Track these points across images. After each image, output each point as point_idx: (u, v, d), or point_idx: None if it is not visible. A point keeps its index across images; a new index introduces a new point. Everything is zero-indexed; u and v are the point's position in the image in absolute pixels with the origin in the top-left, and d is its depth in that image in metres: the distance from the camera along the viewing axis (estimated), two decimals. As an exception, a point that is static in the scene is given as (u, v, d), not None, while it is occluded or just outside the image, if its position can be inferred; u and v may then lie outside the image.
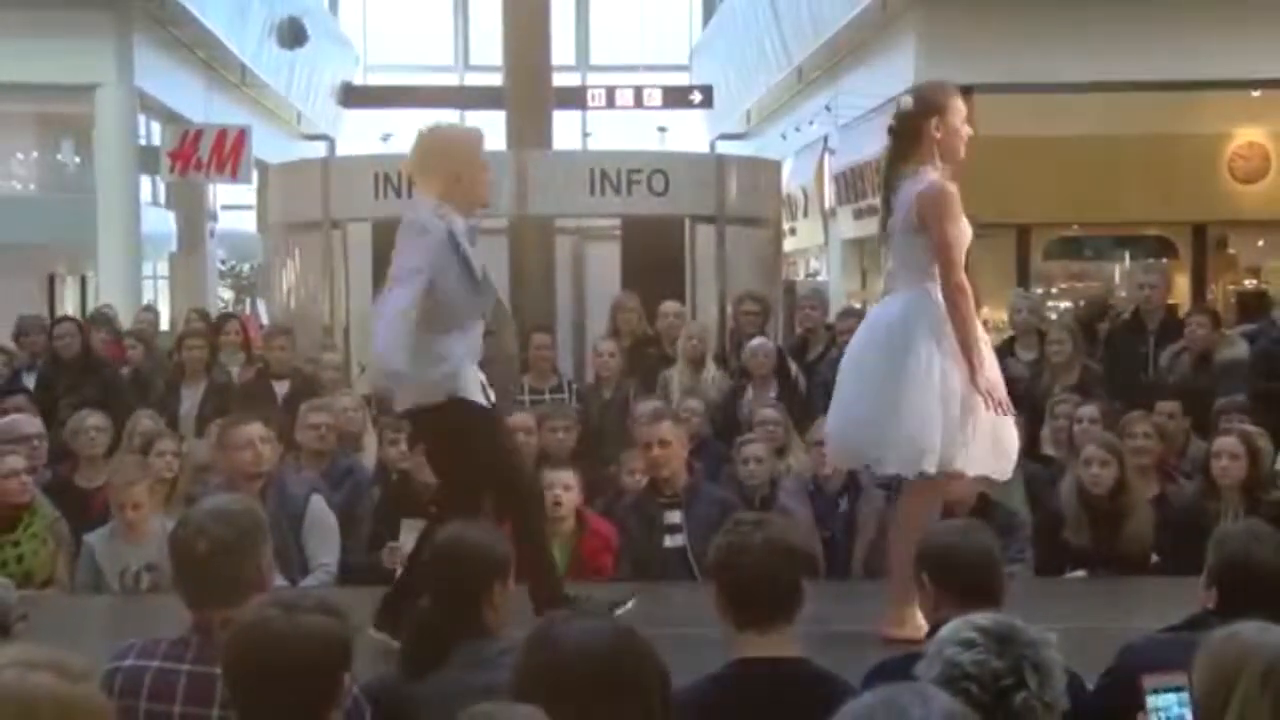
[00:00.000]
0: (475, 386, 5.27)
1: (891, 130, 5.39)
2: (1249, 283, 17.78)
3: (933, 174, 5.23)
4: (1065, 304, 15.71)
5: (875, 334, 5.32)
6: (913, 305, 5.19)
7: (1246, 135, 15.67)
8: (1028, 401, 8.12)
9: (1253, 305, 14.77)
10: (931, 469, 5.10)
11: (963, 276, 5.14)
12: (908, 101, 5.39)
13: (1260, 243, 17.44)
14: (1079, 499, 6.60)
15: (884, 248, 5.57)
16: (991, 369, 5.19)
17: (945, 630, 2.69)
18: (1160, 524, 6.56)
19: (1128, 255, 16.62)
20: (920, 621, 4.58)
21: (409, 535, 6.01)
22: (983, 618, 2.68)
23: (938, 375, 5.09)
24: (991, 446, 5.24)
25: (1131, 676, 3.49)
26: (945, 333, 5.12)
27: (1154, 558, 6.54)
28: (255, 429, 6.43)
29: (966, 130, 5.34)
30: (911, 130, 5.31)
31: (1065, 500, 6.67)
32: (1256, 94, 14.08)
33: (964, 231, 5.20)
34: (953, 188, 5.21)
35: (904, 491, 5.40)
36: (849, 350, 5.49)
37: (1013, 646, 2.60)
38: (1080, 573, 6.52)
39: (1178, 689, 2.09)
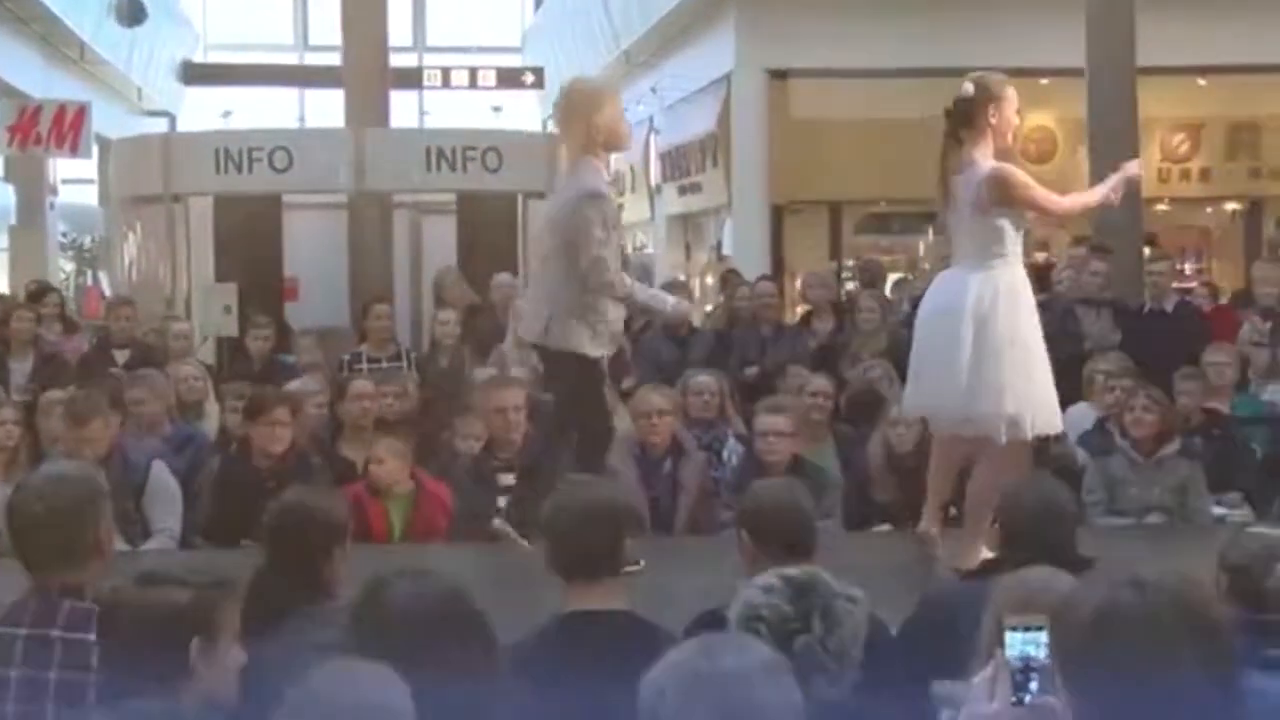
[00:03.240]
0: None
1: (948, 113, 5.49)
2: (1039, 255, 18.29)
3: (990, 160, 5.39)
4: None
5: (953, 305, 5.43)
6: (986, 281, 5.38)
7: (1036, 119, 16.10)
8: (832, 367, 8.31)
9: (1042, 276, 15.19)
10: (1025, 434, 5.32)
11: (1063, 207, 5.54)
12: (969, 88, 5.46)
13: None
14: (885, 457, 6.73)
15: (943, 230, 5.95)
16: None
17: (758, 577, 2.74)
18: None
19: (931, 230, 16.97)
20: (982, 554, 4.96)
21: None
22: (794, 569, 2.73)
23: (1020, 344, 5.31)
24: (1048, 402, 5.45)
25: (931, 621, 3.60)
26: (1018, 302, 5.36)
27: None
28: (97, 425, 6.19)
29: (1015, 121, 5.47)
30: (969, 115, 5.43)
31: (872, 458, 6.80)
32: (1045, 81, 14.46)
33: (1037, 188, 5.43)
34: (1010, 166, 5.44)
35: (993, 452, 5.46)
36: (923, 319, 5.62)
37: (807, 595, 2.65)
38: (886, 527, 6.65)
39: (1038, 628, 2.13)
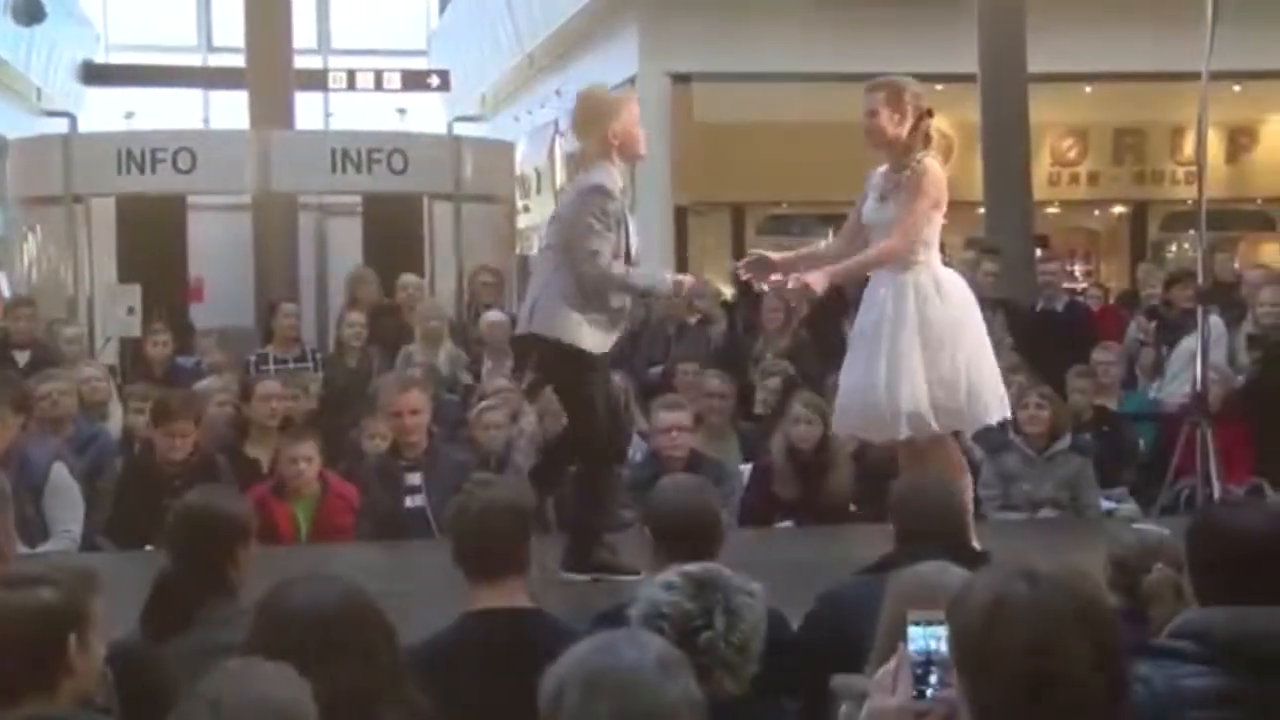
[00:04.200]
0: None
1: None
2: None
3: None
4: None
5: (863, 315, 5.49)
6: (898, 284, 5.42)
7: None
8: (738, 366, 8.36)
9: (939, 277, 15.38)
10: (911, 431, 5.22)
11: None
12: None
13: (944, 221, 18.17)
14: (787, 454, 6.77)
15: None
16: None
17: (659, 575, 2.74)
18: (859, 476, 6.76)
19: (831, 231, 17.10)
20: None
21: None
22: (695, 566, 2.73)
23: (931, 344, 5.25)
24: (966, 400, 5.31)
25: (830, 616, 3.62)
26: (927, 304, 5.35)
27: (852, 507, 6.75)
28: None
29: (865, 122, 5.47)
30: None
31: (775, 455, 6.84)
32: (940, 87, 14.65)
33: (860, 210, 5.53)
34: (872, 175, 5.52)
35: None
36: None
37: (709, 592, 2.66)
38: (788, 522, 6.69)
39: (939, 622, 2.16)
